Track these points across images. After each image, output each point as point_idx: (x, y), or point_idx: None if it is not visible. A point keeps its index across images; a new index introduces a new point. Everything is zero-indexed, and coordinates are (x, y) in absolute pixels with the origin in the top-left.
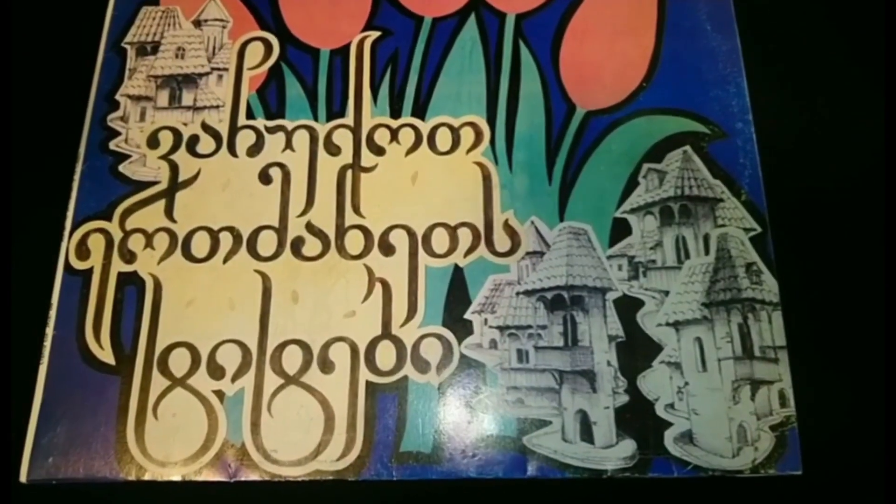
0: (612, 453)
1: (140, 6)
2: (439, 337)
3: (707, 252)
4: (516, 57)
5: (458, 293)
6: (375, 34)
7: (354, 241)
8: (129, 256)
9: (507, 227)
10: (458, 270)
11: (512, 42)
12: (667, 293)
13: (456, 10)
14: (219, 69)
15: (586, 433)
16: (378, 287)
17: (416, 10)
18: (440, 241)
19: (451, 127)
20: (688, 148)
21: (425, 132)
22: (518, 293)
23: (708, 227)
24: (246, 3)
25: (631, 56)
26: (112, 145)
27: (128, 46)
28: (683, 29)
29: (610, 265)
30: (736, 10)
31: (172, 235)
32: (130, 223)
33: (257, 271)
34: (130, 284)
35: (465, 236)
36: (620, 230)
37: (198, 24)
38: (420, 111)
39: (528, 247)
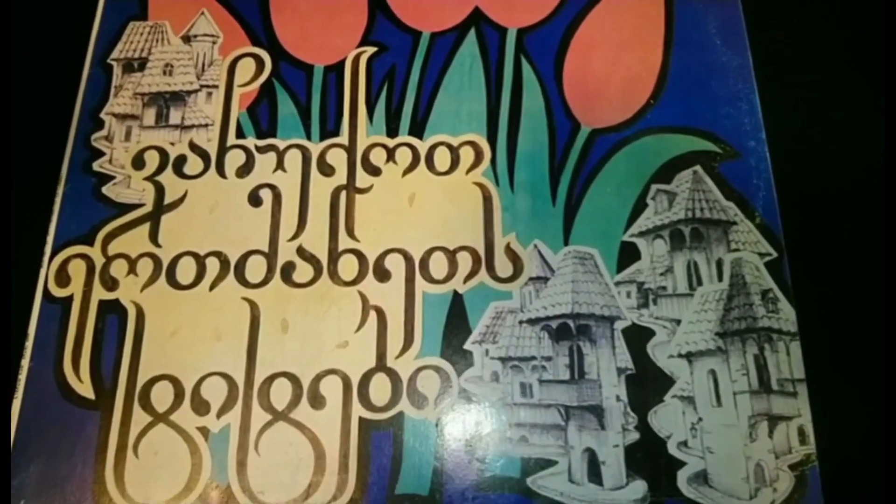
0: (622, 495)
1: (127, 21)
2: (437, 369)
3: (720, 278)
4: (518, 73)
5: (457, 322)
6: (371, 50)
7: (348, 267)
8: (111, 283)
9: (509, 251)
10: (457, 297)
11: (513, 58)
12: (678, 322)
13: (455, 24)
14: (208, 86)
15: (594, 473)
16: (372, 315)
17: (413, 25)
18: (438, 265)
19: (449, 146)
20: (698, 168)
21: (423, 151)
22: (521, 322)
23: (721, 251)
24: (237, 17)
25: (637, 71)
26: (96, 166)
27: (114, 62)
28: (692, 43)
29: (618, 292)
30: (747, 24)
31: (157, 261)
32: (113, 248)
33: (245, 299)
34: (112, 313)
35: (464, 261)
36: (628, 255)
37: (187, 39)
38: (418, 130)
39: (532, 272)
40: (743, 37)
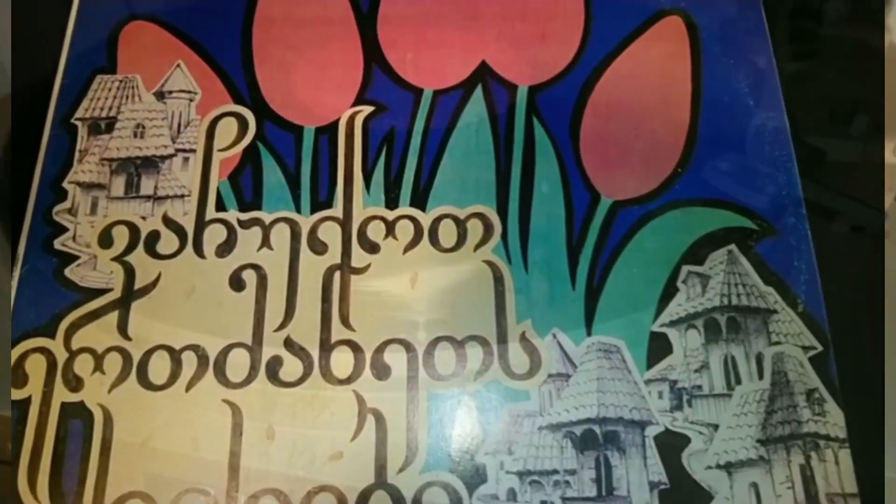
0: None
1: (94, 74)
2: (445, 486)
3: (761, 376)
4: (530, 136)
5: (467, 428)
6: (368, 109)
7: (342, 361)
8: (74, 383)
9: (525, 341)
10: (467, 398)
11: (525, 119)
12: (716, 427)
13: (460, 81)
14: (184, 151)
15: None
16: (370, 421)
17: (414, 82)
18: (445, 359)
19: (455, 219)
20: (733, 247)
21: (426, 225)
22: (540, 428)
23: (761, 344)
24: (217, 71)
25: (662, 136)
26: (57, 244)
27: (79, 122)
28: (722, 104)
29: (648, 392)
30: (782, 82)
31: (126, 357)
32: (77, 341)
33: (226, 401)
34: (76, 418)
35: (474, 354)
36: (659, 347)
37: (160, 96)
38: (420, 200)
39: (551, 367)
40: (778, 96)
